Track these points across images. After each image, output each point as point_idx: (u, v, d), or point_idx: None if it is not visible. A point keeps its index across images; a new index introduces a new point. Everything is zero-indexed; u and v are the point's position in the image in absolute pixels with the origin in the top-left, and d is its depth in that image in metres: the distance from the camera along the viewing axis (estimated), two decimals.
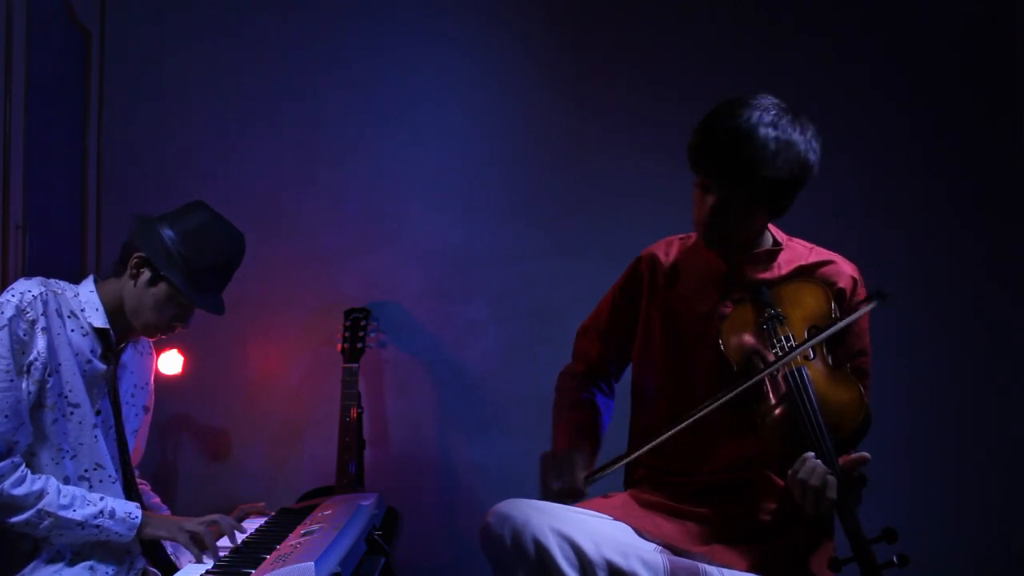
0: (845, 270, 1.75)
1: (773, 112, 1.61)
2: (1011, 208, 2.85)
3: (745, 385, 1.60)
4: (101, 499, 1.73)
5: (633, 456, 1.67)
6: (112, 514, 1.72)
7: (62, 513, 1.67)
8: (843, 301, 1.71)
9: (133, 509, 1.75)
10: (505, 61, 2.96)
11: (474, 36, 2.97)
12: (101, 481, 1.78)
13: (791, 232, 1.85)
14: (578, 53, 2.94)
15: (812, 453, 1.48)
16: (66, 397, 1.73)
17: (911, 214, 2.85)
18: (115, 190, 2.88)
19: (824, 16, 2.90)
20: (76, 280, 1.86)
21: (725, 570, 1.51)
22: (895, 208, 2.85)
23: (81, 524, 1.69)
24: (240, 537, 1.81)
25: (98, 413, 1.81)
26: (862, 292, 1.75)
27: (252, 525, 1.98)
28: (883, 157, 2.86)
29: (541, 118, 2.93)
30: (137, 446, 2.00)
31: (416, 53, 2.95)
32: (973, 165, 2.86)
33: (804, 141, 1.62)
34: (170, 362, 2.70)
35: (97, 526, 1.70)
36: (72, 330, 1.75)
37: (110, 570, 1.74)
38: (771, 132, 1.58)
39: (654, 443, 1.63)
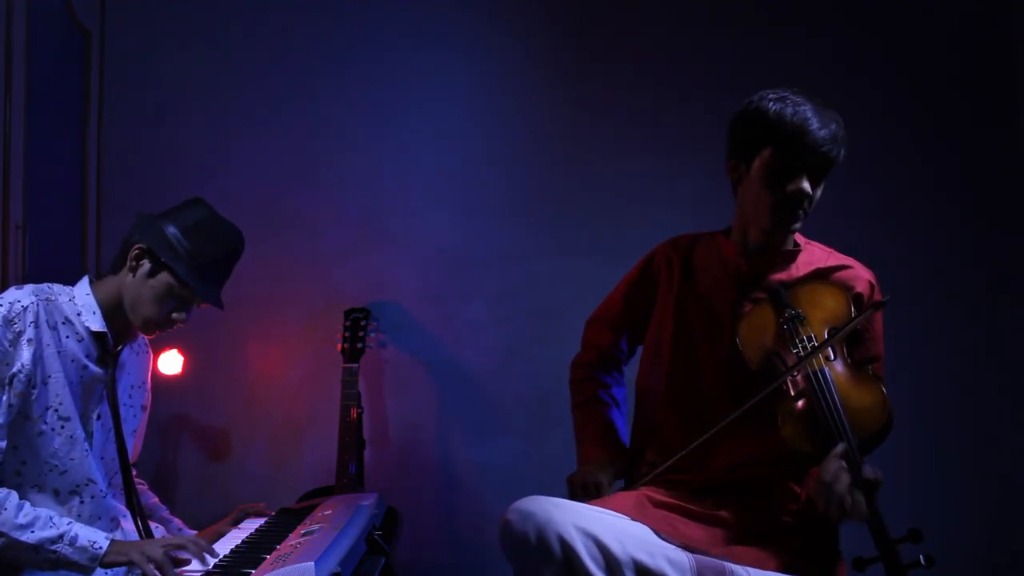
0: (862, 275, 1.77)
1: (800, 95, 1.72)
2: (1011, 208, 2.85)
3: (773, 386, 1.61)
4: (68, 524, 1.64)
5: (671, 462, 1.70)
6: (73, 541, 1.63)
7: (14, 534, 1.59)
8: (860, 306, 1.72)
9: (100, 539, 1.65)
10: (505, 61, 2.96)
11: (474, 36, 2.97)
12: (93, 497, 1.74)
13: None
14: (578, 53, 2.94)
15: (840, 459, 1.48)
16: (56, 411, 1.69)
17: (911, 215, 2.85)
18: (115, 190, 2.88)
19: (824, 16, 2.90)
20: (75, 281, 1.84)
21: (752, 570, 1.50)
22: (895, 209, 2.85)
23: (35, 548, 1.60)
24: (212, 561, 1.69)
25: (98, 418, 1.79)
26: (878, 297, 1.76)
27: (252, 525, 1.98)
28: (883, 157, 2.86)
29: (541, 118, 2.93)
30: (135, 444, 1.99)
31: (416, 53, 2.95)
32: (973, 165, 2.86)
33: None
34: (170, 362, 2.70)
35: (53, 551, 1.61)
36: (66, 337, 1.72)
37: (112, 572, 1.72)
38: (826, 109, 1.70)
39: (687, 449, 1.67)
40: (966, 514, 2.75)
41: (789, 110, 1.67)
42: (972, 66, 2.87)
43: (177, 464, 2.88)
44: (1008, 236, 2.84)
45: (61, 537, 1.62)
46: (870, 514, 1.43)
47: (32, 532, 1.60)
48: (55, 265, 2.58)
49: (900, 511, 1.62)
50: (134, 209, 1.94)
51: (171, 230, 1.79)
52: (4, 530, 1.59)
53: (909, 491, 2.68)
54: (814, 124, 1.65)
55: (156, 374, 2.08)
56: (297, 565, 1.41)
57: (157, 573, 1.59)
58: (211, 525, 2.09)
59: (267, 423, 2.89)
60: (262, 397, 2.90)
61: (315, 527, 1.74)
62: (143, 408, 1.97)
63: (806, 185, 1.67)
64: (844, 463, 1.47)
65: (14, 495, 1.62)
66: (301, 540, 1.65)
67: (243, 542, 1.81)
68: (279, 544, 1.68)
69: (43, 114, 2.52)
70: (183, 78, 2.93)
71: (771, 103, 1.69)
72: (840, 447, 1.49)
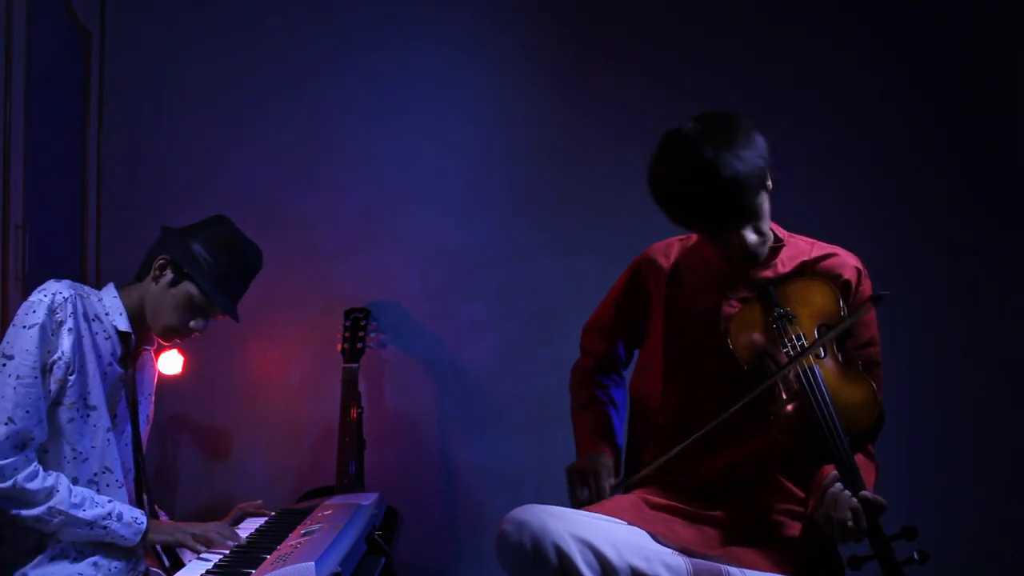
0: (848, 262, 1.76)
1: (701, 138, 1.64)
2: (1011, 208, 2.85)
3: (762, 388, 1.60)
4: (109, 502, 1.76)
5: (661, 461, 1.68)
6: (120, 517, 1.76)
7: (73, 511, 1.70)
8: (849, 293, 1.72)
9: (139, 515, 1.80)
10: (505, 61, 2.96)
11: (474, 36, 2.97)
12: (108, 485, 1.81)
13: (792, 231, 1.85)
14: (578, 53, 2.94)
15: (841, 486, 1.48)
16: (85, 399, 1.77)
17: (911, 214, 2.85)
18: (115, 190, 2.88)
19: (824, 16, 2.90)
20: (77, 280, 1.87)
21: (747, 571, 1.50)
22: (895, 208, 2.85)
23: (90, 524, 1.72)
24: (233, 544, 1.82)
25: (115, 416, 1.84)
26: (867, 283, 1.76)
27: (252, 525, 1.98)
28: (883, 156, 2.86)
29: (541, 118, 2.93)
30: None
31: (417, 53, 2.95)
32: (973, 165, 2.86)
33: (742, 144, 1.61)
34: (170, 362, 2.69)
35: (105, 527, 1.74)
36: (96, 333, 1.80)
37: (114, 565, 1.77)
38: (725, 158, 1.59)
39: (678, 448, 1.65)
40: (966, 514, 2.75)
41: (674, 206, 1.69)
42: (973, 64, 2.87)
43: (177, 464, 2.88)
44: (1008, 234, 2.84)
45: (109, 514, 1.74)
46: (869, 527, 1.43)
47: (85, 510, 1.72)
48: (55, 265, 2.58)
49: (899, 510, 1.63)
50: (134, 210, 1.95)
51: (195, 245, 1.89)
52: (63, 508, 1.70)
53: (909, 491, 2.68)
54: (698, 210, 1.64)
55: (157, 378, 2.10)
56: (297, 565, 1.42)
57: (203, 548, 1.79)
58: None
59: (267, 423, 2.89)
60: (262, 397, 2.90)
61: (315, 527, 1.74)
62: (147, 419, 2.03)
63: (740, 239, 1.66)
64: (843, 488, 1.47)
65: (63, 477, 1.73)
66: (301, 540, 1.65)
67: (244, 540, 1.81)
68: (279, 544, 1.69)
69: (43, 114, 2.52)
70: (183, 78, 2.93)
71: (657, 194, 1.74)
72: (839, 486, 1.50)
